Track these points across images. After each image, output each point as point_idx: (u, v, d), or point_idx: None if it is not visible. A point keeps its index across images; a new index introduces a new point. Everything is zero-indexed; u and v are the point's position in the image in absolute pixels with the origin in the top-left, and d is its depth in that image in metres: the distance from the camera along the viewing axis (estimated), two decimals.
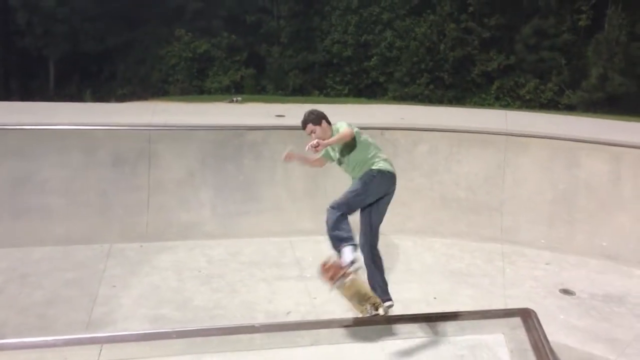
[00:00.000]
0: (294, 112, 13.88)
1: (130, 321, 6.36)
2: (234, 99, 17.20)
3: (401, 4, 28.38)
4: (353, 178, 5.98)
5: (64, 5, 23.96)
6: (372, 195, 5.79)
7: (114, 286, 7.19)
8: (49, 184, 9.29)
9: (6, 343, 5.66)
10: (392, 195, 5.96)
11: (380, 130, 10.74)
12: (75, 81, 26.13)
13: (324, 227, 9.27)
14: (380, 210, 5.91)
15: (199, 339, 5.62)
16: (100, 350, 5.48)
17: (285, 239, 8.92)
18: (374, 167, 5.79)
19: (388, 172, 5.85)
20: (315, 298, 7.06)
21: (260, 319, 6.47)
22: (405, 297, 7.21)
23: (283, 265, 8.05)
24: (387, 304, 5.99)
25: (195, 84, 26.96)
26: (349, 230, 5.66)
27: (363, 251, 5.84)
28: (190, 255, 8.30)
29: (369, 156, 5.85)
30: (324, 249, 8.71)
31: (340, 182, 10.11)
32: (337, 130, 5.80)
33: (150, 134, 10.14)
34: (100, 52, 25.91)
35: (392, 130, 10.77)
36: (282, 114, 12.77)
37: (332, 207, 5.69)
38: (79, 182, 9.43)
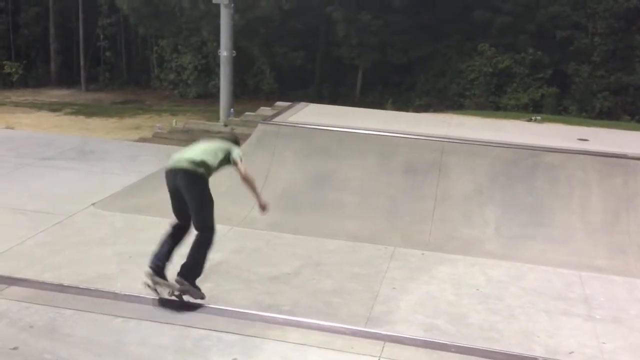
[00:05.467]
0: (599, 136, 12.79)
1: (406, 325, 6.52)
2: (533, 117, 16.45)
3: None
4: None
5: (378, 19, 25.69)
6: None
7: (394, 288, 7.47)
8: (346, 182, 10.11)
9: (301, 321, 6.32)
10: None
11: None
12: (378, 90, 27.88)
13: (621, 267, 8.35)
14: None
15: (475, 359, 5.52)
16: (383, 347, 5.76)
17: (574, 272, 8.20)
18: None
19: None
20: (604, 343, 6.36)
21: (538, 353, 6.06)
22: None
23: (569, 300, 7.42)
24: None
25: (492, 99, 26.40)
26: None
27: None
28: (469, 271, 8.18)
29: None
30: (620, 291, 7.83)
31: None
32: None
33: (444, 145, 10.32)
34: (403, 63, 27.16)
35: None
36: (586, 138, 11.82)
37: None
38: (372, 184, 10.07)
